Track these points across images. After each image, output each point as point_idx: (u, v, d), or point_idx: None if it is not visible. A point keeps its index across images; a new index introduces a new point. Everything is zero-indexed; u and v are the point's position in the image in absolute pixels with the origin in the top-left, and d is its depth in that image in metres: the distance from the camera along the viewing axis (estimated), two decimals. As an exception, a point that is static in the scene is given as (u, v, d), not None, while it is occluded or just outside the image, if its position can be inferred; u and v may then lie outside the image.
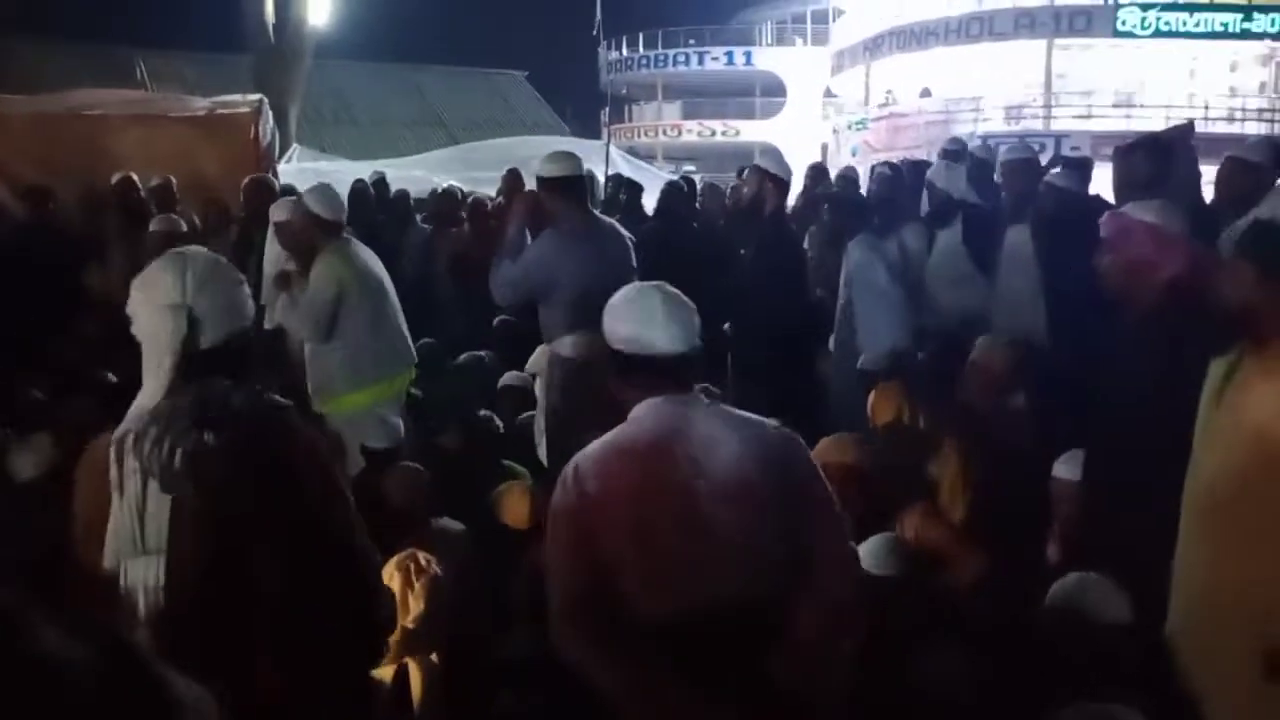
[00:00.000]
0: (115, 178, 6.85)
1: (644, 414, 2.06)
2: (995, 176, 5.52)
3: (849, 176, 7.16)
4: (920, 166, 6.27)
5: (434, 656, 2.76)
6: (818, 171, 7.58)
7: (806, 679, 1.96)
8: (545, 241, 4.17)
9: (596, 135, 32.80)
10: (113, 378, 4.94)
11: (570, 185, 4.24)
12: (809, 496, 2.08)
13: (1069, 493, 3.25)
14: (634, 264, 4.26)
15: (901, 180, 5.50)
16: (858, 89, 29.91)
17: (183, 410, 1.76)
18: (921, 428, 3.62)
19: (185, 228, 5.62)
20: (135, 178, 6.90)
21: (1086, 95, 24.13)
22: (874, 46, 28.58)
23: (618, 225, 4.48)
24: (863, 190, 6.50)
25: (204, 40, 24.92)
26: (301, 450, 1.87)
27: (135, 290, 1.90)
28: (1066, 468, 3.27)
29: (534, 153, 12.43)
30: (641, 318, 2.10)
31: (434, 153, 15.22)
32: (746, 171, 5.41)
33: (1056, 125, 23.27)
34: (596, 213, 4.44)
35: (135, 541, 1.82)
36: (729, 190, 7.68)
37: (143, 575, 1.81)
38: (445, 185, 9.73)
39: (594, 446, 2.07)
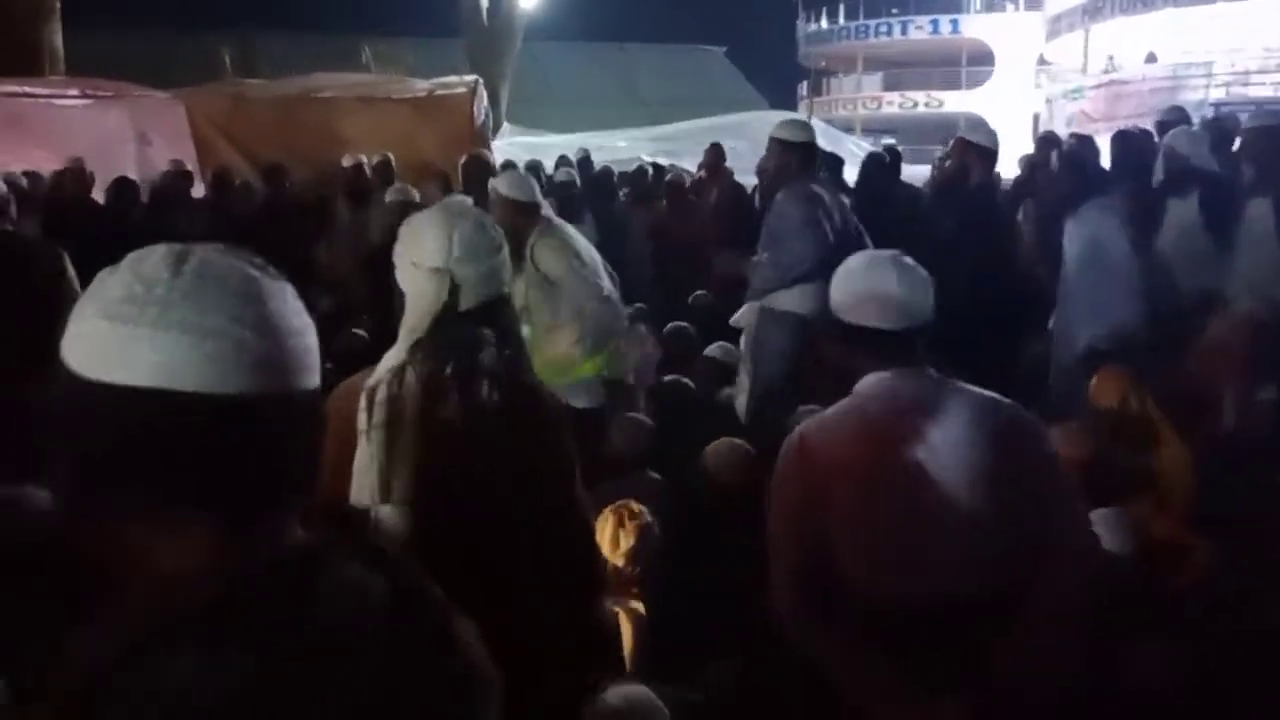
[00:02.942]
0: (346, 161, 7.24)
1: (873, 388, 2.00)
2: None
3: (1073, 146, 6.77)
4: (1148, 135, 5.89)
5: (641, 608, 2.84)
6: (1046, 141, 7.22)
7: (1032, 671, 1.89)
8: (784, 204, 4.34)
9: (793, 108, 32.48)
10: (362, 333, 5.31)
11: (807, 150, 4.49)
12: (1047, 480, 1.99)
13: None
14: (857, 231, 4.34)
15: (1132, 149, 5.18)
16: (1075, 55, 28.23)
17: (431, 360, 1.86)
18: (1148, 414, 3.41)
19: (418, 198, 5.88)
20: (365, 161, 7.31)
21: (1337, 57, 21.85)
22: (1094, 10, 26.90)
23: (841, 195, 4.55)
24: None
25: (423, 26, 26.17)
26: (542, 411, 1.96)
27: (402, 245, 1.94)
28: None
29: (731, 127, 12.60)
30: (874, 287, 2.03)
31: (636, 129, 15.48)
32: (952, 142, 5.27)
33: (1300, 90, 21.20)
34: (821, 176, 4.58)
35: (377, 491, 1.93)
36: (934, 162, 7.45)
37: (389, 524, 1.92)
38: (640, 162, 9.91)
39: (820, 418, 2.04)
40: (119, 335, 0.84)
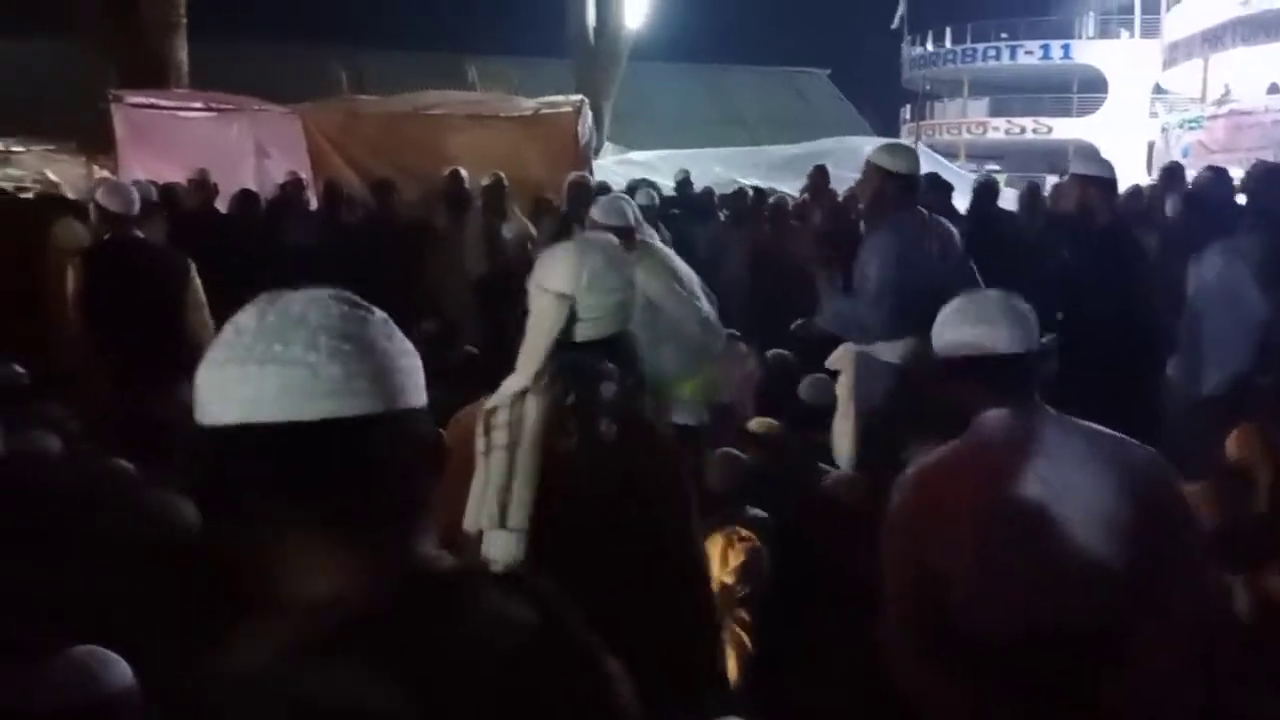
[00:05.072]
0: (445, 172, 7.40)
1: (989, 424, 1.97)
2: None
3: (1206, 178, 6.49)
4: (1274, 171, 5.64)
5: (746, 638, 2.81)
6: (1171, 174, 6.97)
7: (1145, 712, 1.83)
8: (884, 240, 4.10)
9: (895, 133, 32.03)
10: (473, 349, 5.35)
11: (907, 182, 4.18)
12: (1173, 523, 1.92)
13: None
14: (965, 267, 4.16)
15: (1265, 185, 4.93)
16: (1193, 84, 27.35)
17: (552, 388, 1.87)
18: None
19: (534, 232, 5.91)
20: (463, 172, 7.43)
21: None
22: (1214, 38, 26.04)
23: (949, 224, 4.36)
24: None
25: (527, 45, 26.67)
26: (660, 448, 1.95)
27: (537, 268, 1.98)
28: None
29: (833, 152, 12.49)
30: (977, 319, 2.04)
31: (734, 149, 15.44)
32: (1065, 178, 5.05)
33: None
34: (923, 210, 4.34)
35: (494, 516, 1.93)
36: (1049, 191, 7.27)
37: (503, 549, 1.92)
38: (739, 185, 9.87)
39: (936, 455, 2.01)
40: (214, 380, 0.89)
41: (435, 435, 0.99)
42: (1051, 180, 10.08)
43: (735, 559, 2.88)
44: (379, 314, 0.94)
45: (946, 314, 2.12)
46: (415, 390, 0.93)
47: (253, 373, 0.86)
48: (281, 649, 0.82)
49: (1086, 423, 2.00)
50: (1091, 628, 1.86)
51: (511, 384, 1.92)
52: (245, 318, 0.91)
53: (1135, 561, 1.87)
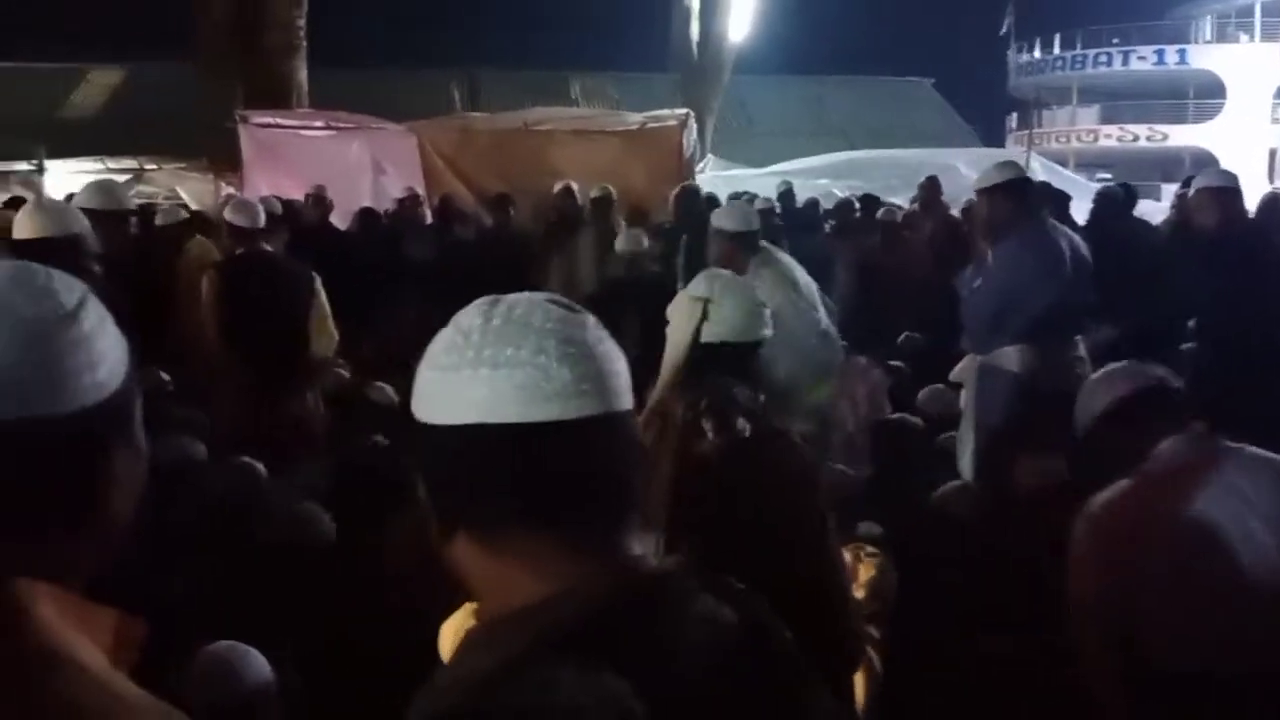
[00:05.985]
0: (556, 186, 7.50)
1: (1169, 454, 1.97)
2: None
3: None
4: None
5: (876, 660, 2.78)
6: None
7: None
8: (1008, 254, 4.07)
9: (1000, 141, 31.29)
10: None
11: (1019, 190, 4.14)
12: None
13: None
14: (1090, 274, 4.08)
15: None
16: (1320, 88, 26.16)
17: (688, 393, 1.92)
18: None
19: (647, 244, 5.90)
20: (574, 186, 7.52)
21: None
22: (1343, 39, 24.87)
23: (1072, 234, 4.28)
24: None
25: (627, 61, 27.09)
26: (795, 456, 1.97)
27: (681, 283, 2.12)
28: None
29: (939, 161, 12.26)
30: (1127, 370, 2.11)
31: (837, 156, 15.29)
32: (1193, 194, 4.88)
33: None
34: (1052, 220, 4.27)
35: None
36: (1174, 202, 7.05)
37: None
38: (844, 194, 9.78)
39: (1120, 488, 2.00)
40: (444, 381, 0.92)
41: (642, 438, 1.01)
42: (1168, 190, 9.75)
43: (865, 574, 2.85)
44: (592, 318, 0.97)
45: (1091, 385, 2.18)
46: (627, 392, 0.95)
47: (485, 375, 0.90)
48: (509, 653, 0.84)
49: (1265, 452, 1.98)
50: None
51: (656, 390, 1.99)
52: (468, 321, 0.94)
53: None
